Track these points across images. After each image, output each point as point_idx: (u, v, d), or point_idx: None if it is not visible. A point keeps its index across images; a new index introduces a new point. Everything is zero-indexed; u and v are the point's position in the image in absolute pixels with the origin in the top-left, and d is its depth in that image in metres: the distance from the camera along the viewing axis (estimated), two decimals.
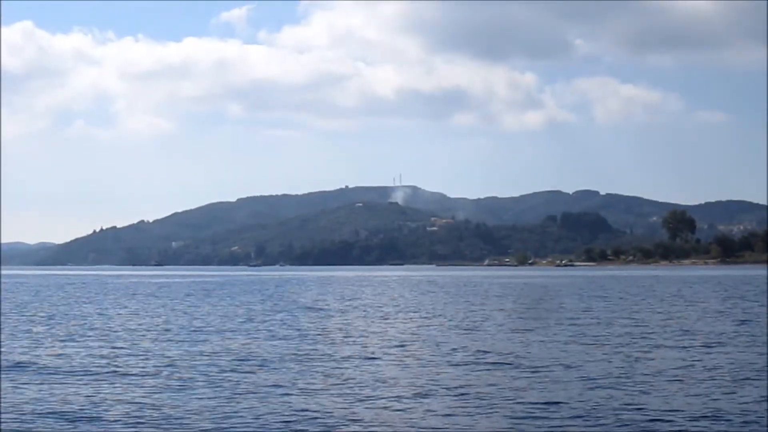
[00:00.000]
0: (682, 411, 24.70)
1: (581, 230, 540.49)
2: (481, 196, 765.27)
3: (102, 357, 38.19)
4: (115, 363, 35.91)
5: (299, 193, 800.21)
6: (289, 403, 26.31)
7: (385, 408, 25.42)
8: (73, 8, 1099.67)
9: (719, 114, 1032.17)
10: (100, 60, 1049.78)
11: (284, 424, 23.34)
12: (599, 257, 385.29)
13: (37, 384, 30.23)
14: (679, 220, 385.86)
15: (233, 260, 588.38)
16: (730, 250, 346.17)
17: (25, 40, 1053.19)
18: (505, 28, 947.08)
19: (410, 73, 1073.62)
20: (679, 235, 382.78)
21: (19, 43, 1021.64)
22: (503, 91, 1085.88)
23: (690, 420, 23.58)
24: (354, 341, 44.58)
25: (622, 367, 33.53)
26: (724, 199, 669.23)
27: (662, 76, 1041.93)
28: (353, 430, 22.78)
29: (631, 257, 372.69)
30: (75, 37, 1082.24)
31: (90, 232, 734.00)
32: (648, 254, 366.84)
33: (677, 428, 22.77)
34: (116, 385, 29.86)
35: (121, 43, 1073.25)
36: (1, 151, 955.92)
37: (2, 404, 26.14)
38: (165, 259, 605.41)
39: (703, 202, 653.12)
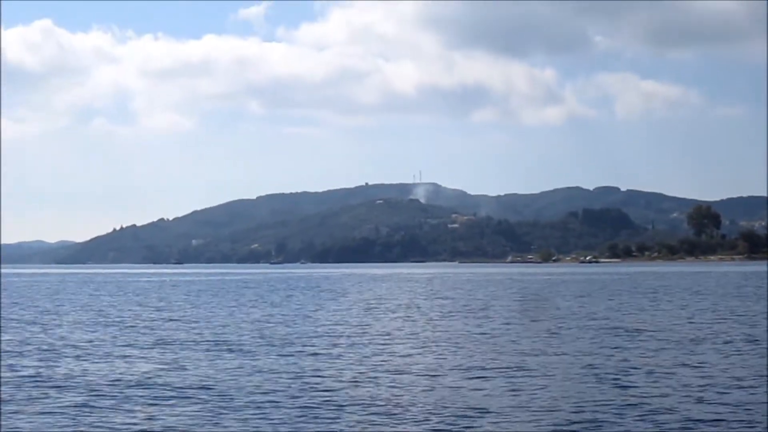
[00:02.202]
0: None
1: (603, 226, 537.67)
2: (501, 193, 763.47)
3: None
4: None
5: (319, 190, 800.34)
6: None
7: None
8: (93, 7, 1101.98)
9: (740, 109, 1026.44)
10: (120, 58, 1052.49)
11: None
12: (624, 253, 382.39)
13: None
14: (704, 215, 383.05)
15: (253, 258, 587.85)
16: (756, 246, 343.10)
17: (44, 39, 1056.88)
18: (524, 24, 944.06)
19: (430, 70, 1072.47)
20: (704, 230, 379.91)
21: (38, 41, 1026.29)
22: (523, 86, 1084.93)
23: None
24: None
25: None
26: (745, 194, 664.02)
27: (683, 71, 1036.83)
28: None
29: (656, 253, 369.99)
30: (95, 35, 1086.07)
31: (110, 230, 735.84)
32: (673, 250, 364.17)
33: None
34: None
35: (140, 41, 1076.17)
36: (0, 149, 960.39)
37: None
38: (185, 257, 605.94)
39: (724, 198, 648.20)
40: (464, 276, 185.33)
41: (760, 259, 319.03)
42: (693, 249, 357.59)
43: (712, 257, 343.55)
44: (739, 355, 36.05)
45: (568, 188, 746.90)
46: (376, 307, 71.41)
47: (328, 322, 54.70)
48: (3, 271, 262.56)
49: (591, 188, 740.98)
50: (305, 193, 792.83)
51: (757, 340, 41.43)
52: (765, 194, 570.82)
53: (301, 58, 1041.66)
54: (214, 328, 50.57)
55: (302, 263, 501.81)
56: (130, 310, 71.34)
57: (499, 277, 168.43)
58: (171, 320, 58.25)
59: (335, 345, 40.65)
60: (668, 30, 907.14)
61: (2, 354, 37.80)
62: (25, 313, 67.80)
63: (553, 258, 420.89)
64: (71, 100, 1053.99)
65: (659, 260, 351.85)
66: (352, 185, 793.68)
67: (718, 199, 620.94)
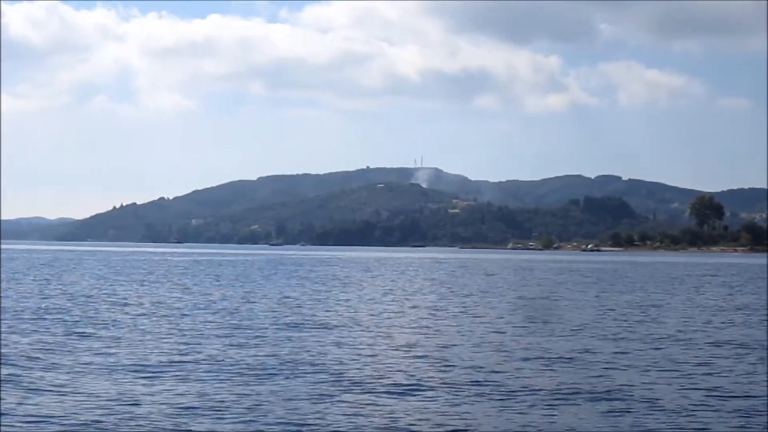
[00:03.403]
0: None
1: (604, 215, 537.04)
2: (503, 179, 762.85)
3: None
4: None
5: (320, 172, 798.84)
6: None
7: None
8: None
9: (743, 100, 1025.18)
10: (124, 36, 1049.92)
11: None
12: (626, 242, 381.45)
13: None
14: (707, 206, 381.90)
15: (253, 239, 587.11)
16: (759, 238, 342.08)
17: (48, 15, 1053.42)
18: (529, 11, 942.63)
19: (433, 54, 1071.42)
20: (706, 221, 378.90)
21: (42, 18, 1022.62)
22: (526, 73, 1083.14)
23: None
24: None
25: None
26: (746, 186, 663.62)
27: (687, 61, 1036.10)
28: None
29: (658, 243, 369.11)
30: (99, 12, 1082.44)
31: (110, 208, 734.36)
32: (675, 240, 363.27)
33: None
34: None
35: (144, 19, 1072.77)
36: (0, 125, 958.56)
37: None
38: (184, 236, 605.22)
39: (725, 189, 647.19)
40: (472, 262, 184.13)
41: (763, 251, 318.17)
42: (695, 240, 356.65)
43: (714, 248, 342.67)
44: None
45: (570, 176, 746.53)
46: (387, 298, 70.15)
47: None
48: (4, 246, 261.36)
49: (592, 176, 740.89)
50: (306, 175, 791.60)
51: None
52: (765, 186, 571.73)
53: (304, 40, 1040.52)
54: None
55: (302, 245, 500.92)
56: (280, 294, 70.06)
57: (506, 264, 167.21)
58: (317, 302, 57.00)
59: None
60: (673, 20, 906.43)
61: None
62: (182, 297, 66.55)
63: (554, 245, 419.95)
64: (73, 77, 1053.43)
65: (662, 250, 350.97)
66: (353, 168, 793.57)
67: (718, 190, 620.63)
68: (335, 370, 28.31)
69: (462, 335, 38.81)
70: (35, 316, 44.94)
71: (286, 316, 46.71)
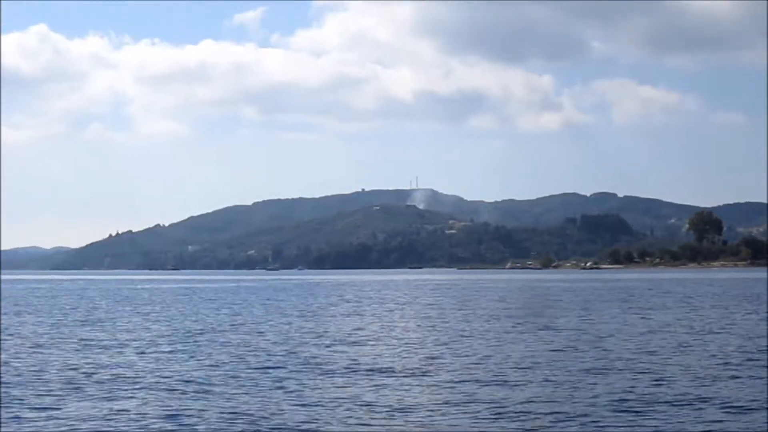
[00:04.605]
0: None
1: (601, 232, 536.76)
2: (498, 199, 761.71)
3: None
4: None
5: (316, 196, 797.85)
6: None
7: None
8: (89, 11, 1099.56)
9: (737, 115, 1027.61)
10: (117, 64, 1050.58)
11: None
12: (625, 259, 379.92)
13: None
14: (706, 221, 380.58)
15: (250, 264, 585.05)
16: (759, 252, 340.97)
17: (40, 44, 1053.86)
18: (521, 30, 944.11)
19: (427, 76, 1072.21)
20: (705, 236, 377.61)
21: (34, 46, 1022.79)
22: (520, 93, 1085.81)
23: None
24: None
25: None
26: (742, 200, 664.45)
27: (680, 77, 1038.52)
28: None
29: (657, 259, 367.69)
30: (91, 40, 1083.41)
31: (106, 236, 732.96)
32: (675, 256, 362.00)
33: None
34: None
35: (137, 46, 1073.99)
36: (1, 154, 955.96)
37: None
38: (181, 263, 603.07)
39: (721, 204, 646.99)
40: (482, 284, 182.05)
41: (764, 265, 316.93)
42: (695, 255, 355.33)
43: (714, 263, 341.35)
44: None
45: (566, 194, 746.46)
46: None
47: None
48: (6, 277, 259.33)
49: (588, 194, 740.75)
50: (301, 199, 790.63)
51: None
52: (763, 200, 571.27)
53: (297, 64, 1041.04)
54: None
55: (299, 269, 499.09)
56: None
57: (516, 285, 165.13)
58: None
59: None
60: (666, 36, 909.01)
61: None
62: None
63: (553, 264, 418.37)
64: (67, 105, 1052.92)
65: (661, 266, 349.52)
66: (348, 191, 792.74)
67: (715, 205, 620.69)
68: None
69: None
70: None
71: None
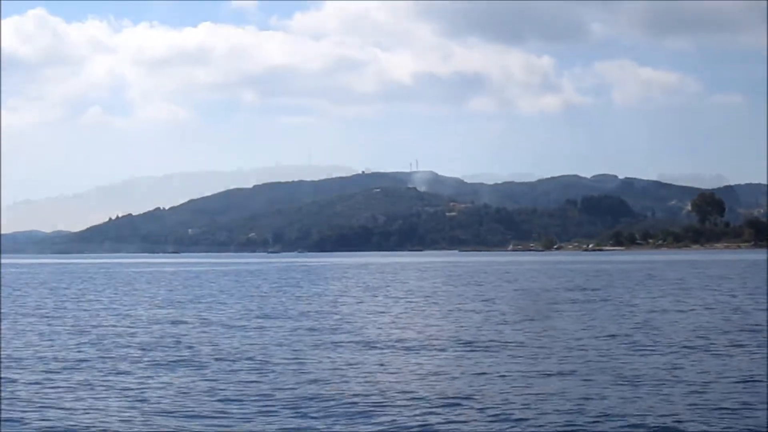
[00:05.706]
0: None
1: (602, 214, 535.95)
2: (499, 181, 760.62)
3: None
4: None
5: (316, 179, 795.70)
6: None
7: None
8: None
9: (737, 96, 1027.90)
10: (116, 47, 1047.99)
11: None
12: (628, 241, 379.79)
13: None
14: (708, 203, 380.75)
15: (250, 246, 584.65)
16: (762, 233, 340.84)
17: (38, 28, 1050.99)
18: (521, 11, 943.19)
19: (426, 58, 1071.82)
20: (708, 218, 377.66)
21: (32, 31, 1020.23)
22: (520, 74, 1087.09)
23: None
24: None
25: None
26: (743, 182, 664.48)
27: (680, 58, 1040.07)
28: None
29: (660, 241, 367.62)
30: (90, 24, 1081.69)
31: (106, 219, 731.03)
32: (678, 238, 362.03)
33: None
34: None
35: (136, 29, 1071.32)
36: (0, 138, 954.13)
37: None
38: (181, 246, 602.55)
39: (721, 186, 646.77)
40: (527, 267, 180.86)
41: (766, 246, 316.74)
42: (698, 237, 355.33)
43: (717, 245, 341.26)
44: None
45: (566, 176, 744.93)
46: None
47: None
48: (8, 261, 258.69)
49: (588, 176, 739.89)
50: (302, 182, 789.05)
51: None
52: (763, 182, 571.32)
53: (296, 47, 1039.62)
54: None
55: (300, 252, 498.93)
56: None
57: (545, 266, 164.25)
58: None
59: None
60: (665, 17, 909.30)
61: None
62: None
63: (555, 246, 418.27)
64: (66, 89, 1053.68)
65: (664, 248, 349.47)
66: (348, 174, 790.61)
67: (715, 186, 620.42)
68: None
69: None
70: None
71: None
